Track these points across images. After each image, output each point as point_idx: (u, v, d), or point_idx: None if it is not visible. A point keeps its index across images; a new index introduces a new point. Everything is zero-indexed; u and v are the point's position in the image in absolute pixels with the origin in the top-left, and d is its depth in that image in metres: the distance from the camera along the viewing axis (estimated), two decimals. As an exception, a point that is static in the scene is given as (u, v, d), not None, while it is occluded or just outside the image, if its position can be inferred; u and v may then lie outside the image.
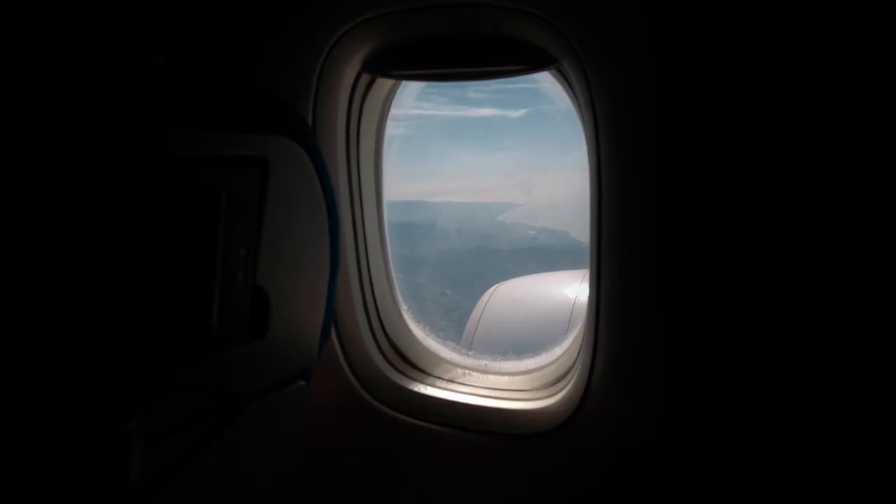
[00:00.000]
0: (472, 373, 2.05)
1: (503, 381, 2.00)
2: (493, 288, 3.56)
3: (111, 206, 1.00)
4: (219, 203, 1.17)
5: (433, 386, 2.00)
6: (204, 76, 1.74)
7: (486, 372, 2.04)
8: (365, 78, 1.86)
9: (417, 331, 2.11)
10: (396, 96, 1.96)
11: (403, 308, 2.12)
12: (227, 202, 1.18)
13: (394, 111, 1.99)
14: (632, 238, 1.57)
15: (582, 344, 1.80)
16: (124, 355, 1.06)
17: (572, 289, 3.09)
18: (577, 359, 1.86)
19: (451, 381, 2.03)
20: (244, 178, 1.22)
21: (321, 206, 1.42)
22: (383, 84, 1.91)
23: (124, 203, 1.02)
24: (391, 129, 2.00)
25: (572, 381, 1.80)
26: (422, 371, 2.06)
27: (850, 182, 1.42)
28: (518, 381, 1.98)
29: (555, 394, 1.87)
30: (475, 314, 3.31)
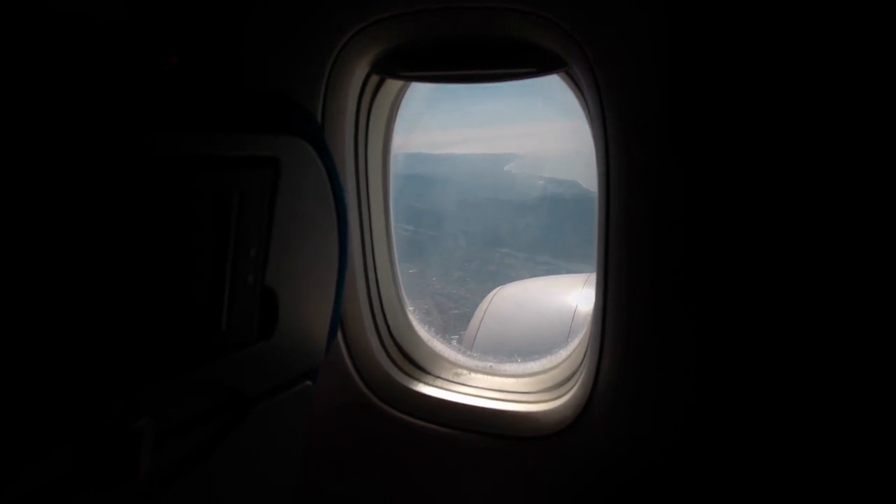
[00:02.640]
0: (477, 374, 2.05)
1: (508, 382, 2.00)
2: (494, 291, 3.56)
3: (124, 207, 1.00)
4: (230, 203, 1.17)
5: (438, 387, 2.00)
6: (214, 77, 1.75)
7: (491, 374, 2.04)
8: (374, 79, 1.86)
9: (423, 332, 2.11)
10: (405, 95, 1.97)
11: (409, 309, 2.12)
12: (239, 202, 1.18)
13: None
14: (639, 241, 1.57)
15: (588, 347, 1.80)
16: (135, 354, 1.07)
17: (574, 295, 3.09)
18: (582, 361, 1.86)
19: (456, 382, 2.03)
20: (256, 178, 1.22)
21: (331, 206, 1.42)
22: (392, 85, 1.91)
23: (137, 204, 1.02)
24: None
25: (578, 384, 1.81)
26: (427, 372, 2.06)
27: (856, 188, 1.42)
28: (523, 384, 1.98)
29: (560, 396, 1.87)
30: (476, 317, 3.31)
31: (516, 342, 2.98)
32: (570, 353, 1.95)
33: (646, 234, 1.56)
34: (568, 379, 1.92)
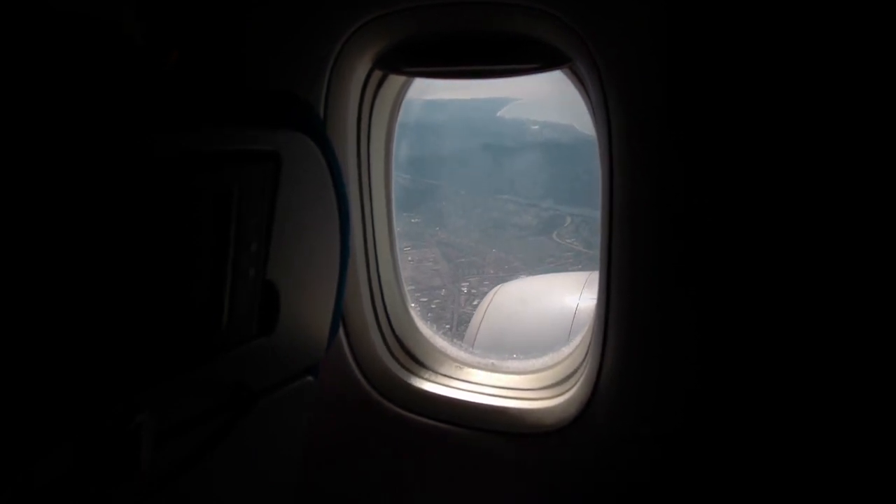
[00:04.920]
0: (479, 371, 2.04)
1: (511, 379, 2.00)
2: (496, 288, 3.58)
3: (124, 203, 1.00)
4: (231, 198, 1.16)
5: (440, 384, 2.00)
6: (216, 72, 1.74)
7: (493, 370, 2.04)
8: (377, 74, 1.85)
9: (425, 328, 2.11)
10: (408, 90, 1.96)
11: (411, 305, 2.11)
12: (240, 197, 1.18)
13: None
14: (642, 238, 1.57)
15: (590, 343, 1.80)
16: (136, 351, 1.06)
17: (575, 293, 3.10)
18: (585, 358, 1.86)
19: (458, 378, 2.03)
20: (257, 172, 1.22)
21: (332, 200, 1.41)
22: (395, 80, 1.91)
23: (137, 198, 1.01)
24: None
25: (580, 381, 1.80)
26: (429, 369, 2.06)
27: (856, 182, 1.42)
28: (526, 380, 1.98)
29: (563, 393, 1.87)
30: (478, 315, 3.33)
31: (518, 340, 2.99)
32: (573, 349, 1.95)
33: (649, 228, 1.56)
34: (571, 375, 1.91)
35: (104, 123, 1.00)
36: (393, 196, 2.02)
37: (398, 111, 1.97)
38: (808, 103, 1.42)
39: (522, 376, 2.00)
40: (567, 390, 1.86)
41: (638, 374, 1.66)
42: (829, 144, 1.42)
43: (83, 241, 0.95)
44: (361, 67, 1.79)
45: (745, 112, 1.46)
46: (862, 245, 1.44)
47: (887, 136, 1.38)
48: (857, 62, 1.37)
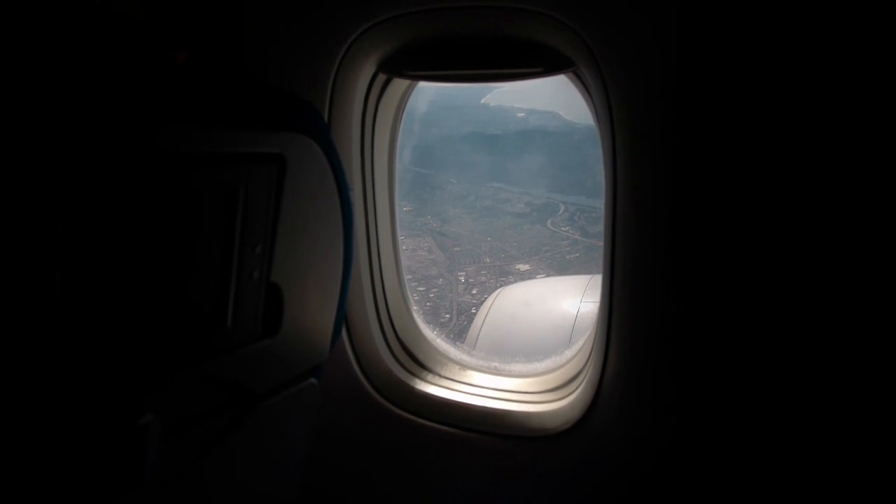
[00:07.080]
0: (482, 374, 2.05)
1: (513, 382, 2.00)
2: (497, 291, 3.59)
3: (130, 203, 1.00)
4: (237, 200, 1.17)
5: (442, 386, 2.00)
6: (222, 73, 1.75)
7: (495, 373, 2.04)
8: (381, 78, 1.85)
9: (427, 330, 2.11)
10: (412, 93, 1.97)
11: (413, 308, 2.12)
12: (245, 199, 1.18)
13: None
14: (646, 242, 1.58)
15: (593, 346, 1.80)
16: (140, 351, 1.06)
17: (577, 296, 3.11)
18: (587, 361, 1.86)
19: (461, 381, 2.03)
20: (262, 174, 1.22)
21: (336, 203, 1.42)
22: (399, 84, 1.91)
23: (143, 200, 1.02)
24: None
25: (583, 384, 1.81)
26: (431, 371, 2.06)
27: (860, 186, 1.42)
28: (528, 384, 1.98)
29: (565, 396, 1.87)
30: (479, 317, 3.33)
31: (519, 343, 2.99)
32: (576, 353, 1.95)
33: (653, 234, 1.56)
34: (573, 379, 1.92)
35: (110, 120, 1.00)
36: (396, 200, 2.03)
37: (402, 115, 1.97)
38: (812, 108, 1.42)
39: (525, 379, 2.00)
40: (570, 394, 1.86)
41: (640, 378, 1.67)
42: (832, 148, 1.42)
43: (89, 240, 0.95)
44: (365, 71, 1.79)
45: (749, 116, 1.46)
46: (864, 249, 1.44)
47: (888, 139, 1.38)
48: (858, 66, 1.38)
